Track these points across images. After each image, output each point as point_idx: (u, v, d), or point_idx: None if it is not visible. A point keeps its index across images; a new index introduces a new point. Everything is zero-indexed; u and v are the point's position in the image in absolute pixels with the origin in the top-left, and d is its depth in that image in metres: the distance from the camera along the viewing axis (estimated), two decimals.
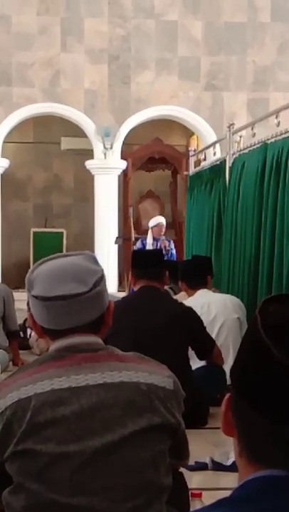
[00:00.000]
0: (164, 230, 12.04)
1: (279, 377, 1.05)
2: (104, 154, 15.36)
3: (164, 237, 11.97)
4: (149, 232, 12.07)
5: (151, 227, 12.06)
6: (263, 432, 1.07)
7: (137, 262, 5.69)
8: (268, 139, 6.84)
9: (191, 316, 5.51)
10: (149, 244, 11.59)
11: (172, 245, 11.98)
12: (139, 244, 12.21)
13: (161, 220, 12.14)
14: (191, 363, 5.60)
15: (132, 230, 13.71)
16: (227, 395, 1.18)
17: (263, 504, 1.05)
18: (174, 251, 11.91)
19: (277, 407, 1.05)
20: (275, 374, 1.05)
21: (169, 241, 12.06)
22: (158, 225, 11.98)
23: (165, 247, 11.51)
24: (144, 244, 11.92)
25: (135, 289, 5.73)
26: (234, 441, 1.17)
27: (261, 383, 1.07)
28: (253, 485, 1.09)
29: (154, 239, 11.89)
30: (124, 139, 15.57)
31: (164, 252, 9.05)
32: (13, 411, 2.08)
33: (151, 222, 12.15)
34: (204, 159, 13.14)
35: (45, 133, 17.49)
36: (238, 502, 1.08)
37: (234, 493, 1.11)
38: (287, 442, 1.05)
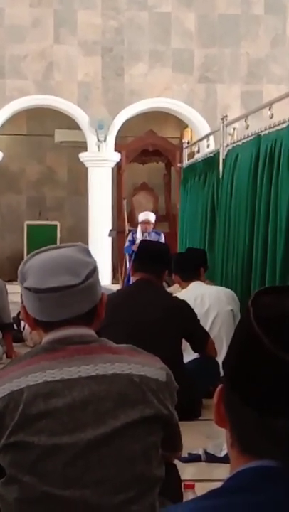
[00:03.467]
0: (150, 226, 12.06)
1: (270, 369, 1.05)
2: (98, 147, 15.36)
3: (153, 233, 11.97)
4: (139, 227, 12.09)
5: (140, 222, 12.10)
6: (253, 424, 1.07)
7: (140, 254, 5.70)
8: (262, 131, 6.84)
9: (184, 309, 5.52)
10: (139, 239, 11.60)
11: (162, 239, 11.98)
12: (130, 237, 12.25)
13: (148, 217, 12.13)
14: (185, 355, 5.61)
15: (126, 223, 13.72)
16: (219, 387, 1.18)
17: (253, 494, 1.05)
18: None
19: (268, 399, 1.05)
20: (266, 365, 1.05)
21: (159, 235, 12.06)
22: (143, 222, 12.03)
23: None
24: (134, 238, 11.95)
25: (133, 279, 5.75)
26: (226, 432, 1.17)
27: (252, 375, 1.07)
28: (244, 476, 1.09)
29: (143, 233, 11.91)
30: (118, 131, 15.56)
31: None
32: (6, 403, 2.08)
33: (140, 218, 12.19)
34: (198, 151, 13.16)
35: (39, 125, 17.48)
36: (229, 493, 1.08)
37: (225, 484, 1.11)
38: (277, 434, 1.05)
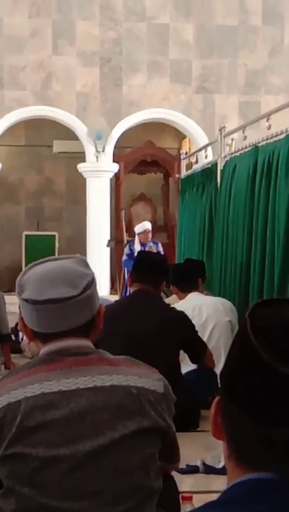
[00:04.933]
0: (150, 235, 12.02)
1: (267, 381, 1.05)
2: (97, 157, 15.36)
3: (151, 243, 11.95)
4: (136, 238, 12.03)
5: (138, 234, 12.03)
6: (250, 435, 1.08)
7: (139, 265, 5.70)
8: (259, 142, 6.85)
9: (182, 320, 5.51)
10: (137, 251, 11.57)
11: (160, 248, 11.96)
12: (127, 250, 12.20)
13: (147, 226, 12.08)
14: (183, 366, 5.60)
15: (124, 233, 13.72)
16: (216, 398, 1.18)
17: (249, 507, 1.05)
18: (162, 253, 11.89)
19: (265, 410, 1.05)
20: (263, 377, 1.05)
21: (157, 244, 12.05)
22: (144, 232, 11.96)
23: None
24: (132, 250, 11.89)
25: (131, 289, 5.75)
26: (224, 444, 1.17)
27: (249, 386, 1.07)
28: (240, 488, 1.09)
29: (142, 244, 11.87)
30: (116, 141, 15.57)
31: None
32: (3, 415, 2.08)
33: (137, 229, 12.09)
34: (196, 162, 13.15)
35: (37, 136, 17.49)
36: (225, 504, 1.08)
37: (222, 496, 1.11)
38: (274, 445, 1.05)
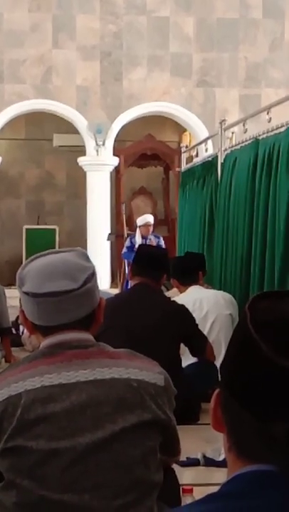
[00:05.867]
0: (151, 228, 12.01)
1: (267, 374, 1.05)
2: (97, 151, 15.35)
3: (152, 237, 11.94)
4: (138, 231, 12.03)
5: (139, 226, 12.03)
6: (250, 428, 1.07)
7: (139, 258, 5.69)
8: (260, 135, 6.84)
9: (183, 313, 5.51)
10: (138, 243, 11.56)
11: (162, 242, 11.95)
12: (127, 243, 12.19)
13: (148, 219, 12.07)
14: (183, 360, 5.60)
15: (125, 227, 13.71)
16: (216, 391, 1.18)
17: (250, 499, 1.05)
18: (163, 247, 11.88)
19: (265, 403, 1.05)
20: (263, 370, 1.05)
21: (158, 238, 12.04)
22: (145, 225, 11.95)
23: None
24: (132, 243, 11.89)
25: (131, 283, 5.74)
26: (224, 436, 1.17)
27: (250, 379, 1.07)
28: (241, 480, 1.09)
29: (143, 237, 11.86)
30: (117, 135, 15.56)
31: None
32: (4, 408, 2.08)
33: (139, 222, 12.10)
34: (196, 155, 13.15)
35: (37, 130, 17.48)
36: (225, 497, 1.08)
37: (222, 488, 1.11)
38: (273, 438, 1.05)
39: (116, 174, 16.16)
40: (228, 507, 1.05)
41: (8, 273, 14.21)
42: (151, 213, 14.47)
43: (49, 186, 18.35)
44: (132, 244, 11.75)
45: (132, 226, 14.02)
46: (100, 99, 15.37)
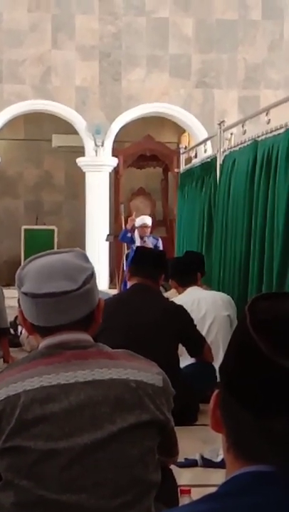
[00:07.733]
0: (148, 230, 12.07)
1: (267, 374, 1.05)
2: (96, 151, 15.36)
3: (149, 238, 11.97)
4: (136, 231, 12.08)
5: (137, 227, 12.09)
6: (250, 428, 1.08)
7: (137, 259, 5.70)
8: (259, 137, 6.85)
9: (181, 314, 5.52)
10: (137, 243, 11.60)
11: (160, 243, 11.98)
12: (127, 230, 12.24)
13: (145, 221, 12.15)
14: (181, 360, 5.61)
15: (123, 227, 13.71)
16: (215, 392, 1.18)
17: (247, 499, 1.05)
18: (161, 249, 11.90)
19: (264, 404, 1.05)
20: (263, 371, 1.05)
21: (157, 239, 12.08)
22: (141, 226, 12.02)
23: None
24: (132, 237, 11.96)
25: (129, 284, 5.75)
26: (222, 437, 1.17)
27: (249, 379, 1.07)
28: (239, 480, 1.09)
29: (141, 237, 11.92)
30: (116, 136, 15.57)
31: None
32: (2, 408, 2.08)
33: (137, 222, 12.17)
34: (195, 156, 13.14)
35: (36, 130, 17.48)
36: (224, 497, 1.08)
37: (220, 489, 1.11)
38: (273, 438, 1.05)
39: (115, 175, 16.17)
40: (226, 507, 1.05)
41: (6, 273, 14.23)
42: (149, 214, 14.50)
43: (48, 187, 18.36)
44: (132, 238, 11.86)
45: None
46: (99, 99, 15.38)
